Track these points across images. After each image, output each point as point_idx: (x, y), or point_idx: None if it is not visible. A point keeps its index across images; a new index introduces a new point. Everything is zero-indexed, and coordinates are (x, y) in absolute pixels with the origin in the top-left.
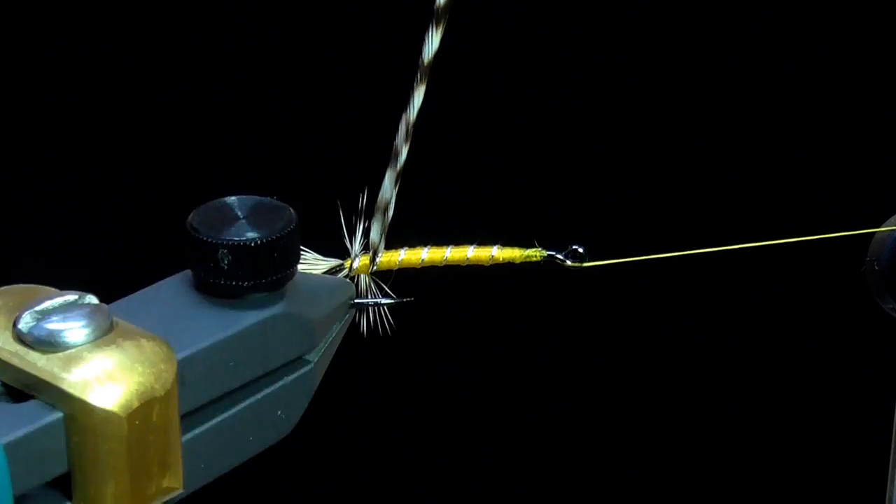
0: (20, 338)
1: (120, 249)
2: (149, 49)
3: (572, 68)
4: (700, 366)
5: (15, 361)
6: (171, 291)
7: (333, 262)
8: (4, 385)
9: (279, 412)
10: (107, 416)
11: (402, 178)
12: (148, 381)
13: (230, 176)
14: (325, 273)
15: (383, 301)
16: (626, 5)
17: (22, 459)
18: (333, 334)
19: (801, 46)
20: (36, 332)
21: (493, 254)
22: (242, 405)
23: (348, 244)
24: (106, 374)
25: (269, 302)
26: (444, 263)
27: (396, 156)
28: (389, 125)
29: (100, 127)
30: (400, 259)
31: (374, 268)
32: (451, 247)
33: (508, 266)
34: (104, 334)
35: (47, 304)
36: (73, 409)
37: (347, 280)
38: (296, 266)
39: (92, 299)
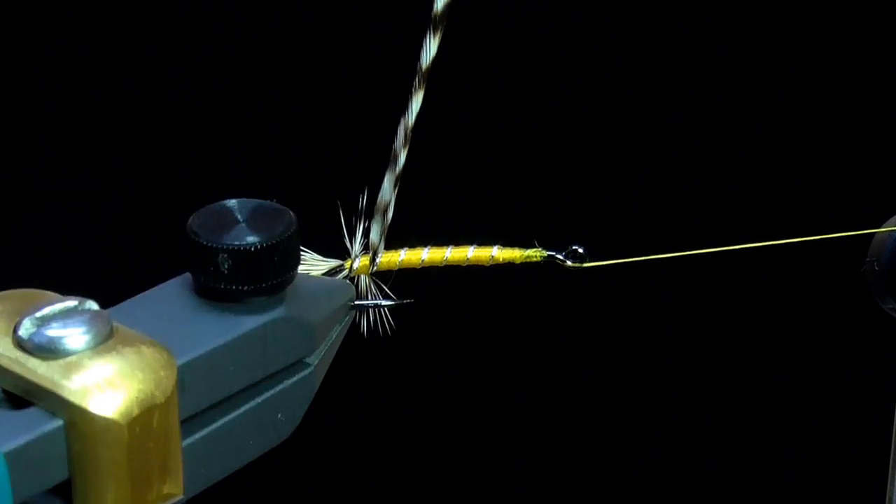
0: (20, 344)
1: (120, 250)
2: (149, 49)
3: (571, 69)
4: (700, 366)
5: (15, 368)
6: (171, 295)
7: (334, 262)
8: (4, 391)
9: (279, 415)
10: (107, 423)
11: (401, 181)
12: (148, 388)
13: (231, 176)
14: (325, 274)
15: (383, 303)
16: (627, 5)
17: (23, 467)
18: (333, 336)
19: (801, 46)
20: (36, 339)
21: (493, 254)
22: (242, 409)
23: (348, 245)
24: (106, 381)
25: (270, 306)
26: (444, 264)
27: (395, 159)
28: (391, 126)
29: (99, 127)
30: (400, 259)
31: (374, 268)
32: (451, 247)
33: (509, 266)
34: (104, 340)
35: (47, 311)
36: (74, 417)
37: (347, 282)
38: (296, 270)
39: (92, 305)
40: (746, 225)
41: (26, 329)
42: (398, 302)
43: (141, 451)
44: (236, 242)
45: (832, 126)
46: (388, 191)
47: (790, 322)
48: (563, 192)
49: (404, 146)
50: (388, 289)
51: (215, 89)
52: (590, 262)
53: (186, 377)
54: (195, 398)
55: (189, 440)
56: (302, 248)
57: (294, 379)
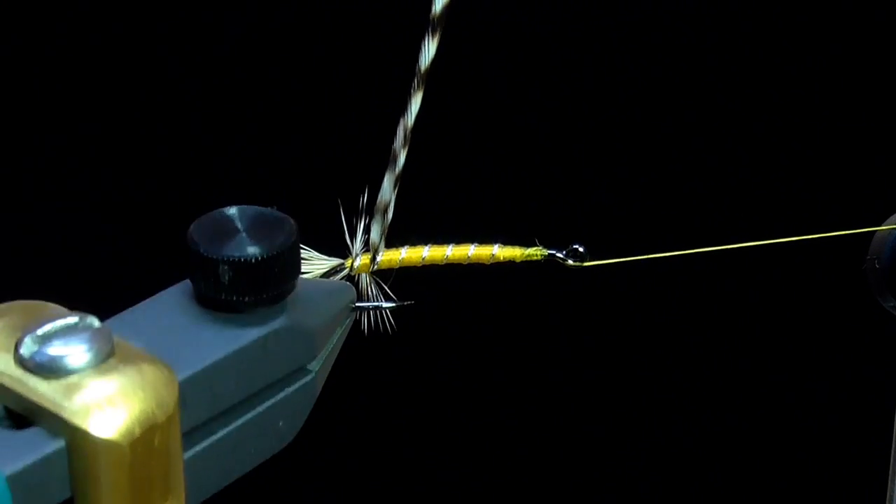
0: (22, 362)
1: (120, 250)
2: (148, 50)
3: (570, 69)
4: (700, 365)
5: (16, 387)
6: (171, 304)
7: (334, 261)
8: (6, 409)
9: (280, 422)
10: (109, 445)
11: (402, 181)
12: (150, 407)
13: (231, 176)
14: (326, 272)
15: (385, 305)
16: (627, 5)
17: (25, 489)
18: (335, 340)
19: (801, 46)
20: (37, 358)
21: (493, 252)
22: (243, 419)
23: (349, 243)
24: (107, 401)
25: (271, 316)
26: (445, 262)
27: (395, 160)
28: (392, 126)
29: (99, 127)
30: (401, 257)
31: (375, 267)
32: (451, 245)
33: (509, 265)
34: (106, 359)
35: (48, 328)
36: (75, 438)
37: (348, 284)
38: (297, 278)
39: (93, 321)
40: (746, 224)
41: (27, 347)
42: (399, 304)
43: (143, 471)
44: (237, 254)
45: (832, 126)
46: (387, 191)
47: (790, 321)
48: (564, 192)
49: (404, 147)
50: (389, 287)
51: (215, 89)
52: (590, 261)
53: (187, 392)
54: (196, 412)
55: (190, 453)
56: (303, 246)
57: (295, 386)
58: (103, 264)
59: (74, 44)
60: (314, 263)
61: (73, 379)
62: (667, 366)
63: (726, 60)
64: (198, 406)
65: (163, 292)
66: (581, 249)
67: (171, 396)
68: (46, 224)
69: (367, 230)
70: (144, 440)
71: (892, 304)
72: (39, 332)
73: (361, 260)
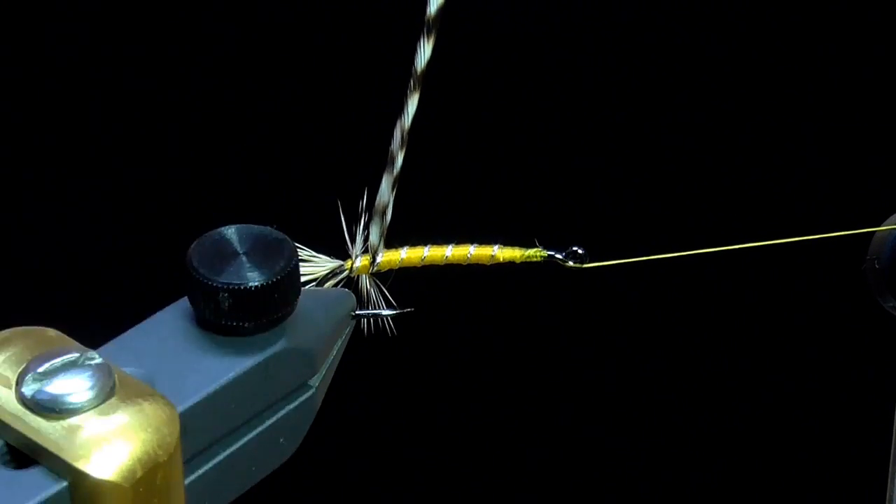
0: (23, 400)
1: (120, 250)
2: (147, 49)
3: (569, 69)
4: (700, 366)
5: (17, 425)
6: (171, 326)
7: (334, 263)
8: (7, 445)
9: (281, 439)
10: (111, 486)
11: (402, 182)
12: (151, 447)
13: (231, 176)
14: (326, 275)
15: (385, 312)
16: (625, 5)
17: None
18: (335, 352)
19: (800, 46)
20: (38, 397)
21: (493, 253)
22: (244, 440)
23: (349, 245)
24: (109, 443)
25: (271, 339)
26: (444, 262)
27: (393, 161)
28: (389, 128)
29: (99, 127)
30: (401, 258)
31: (375, 269)
32: (451, 246)
33: (509, 266)
34: (107, 398)
35: (49, 366)
36: (77, 479)
37: (348, 291)
38: (297, 301)
39: (95, 358)
40: (746, 225)
41: (29, 386)
42: (399, 311)
43: None
44: (236, 281)
45: (832, 126)
46: (386, 192)
47: (790, 322)
48: (563, 193)
49: (401, 148)
50: (389, 288)
51: (213, 90)
52: (590, 262)
53: (188, 421)
54: (197, 439)
55: (191, 478)
56: (303, 247)
57: (296, 403)
58: (103, 264)
59: (69, 47)
60: (314, 265)
61: (74, 419)
62: (667, 366)
63: (726, 60)
64: (199, 433)
65: (161, 312)
66: (580, 251)
67: (172, 435)
68: (46, 224)
69: (367, 228)
70: (146, 480)
71: (892, 304)
72: (41, 369)
73: (361, 261)
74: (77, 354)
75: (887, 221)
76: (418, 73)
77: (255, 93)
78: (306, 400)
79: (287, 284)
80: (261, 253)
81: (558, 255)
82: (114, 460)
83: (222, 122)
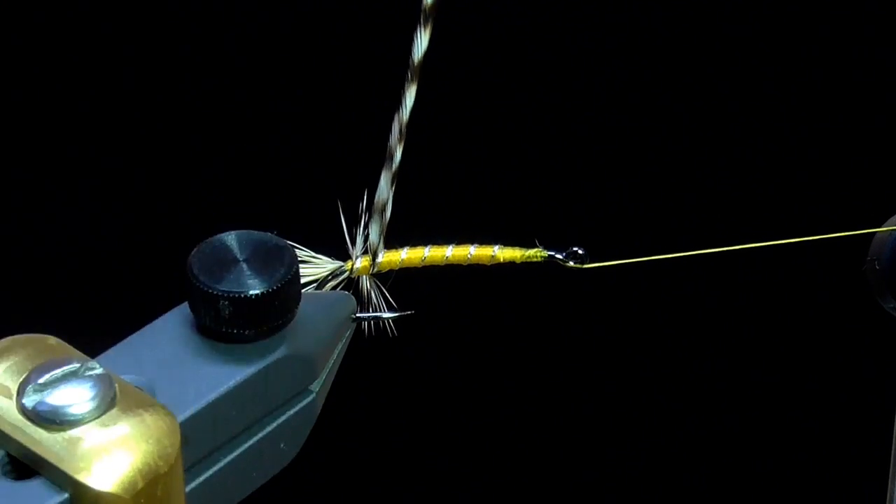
0: (24, 411)
1: (120, 249)
2: (145, 50)
3: (572, 68)
4: (700, 366)
5: (18, 436)
6: (171, 333)
7: (335, 264)
8: (8, 455)
9: (282, 445)
10: (112, 498)
11: (402, 179)
12: (152, 459)
13: (231, 178)
14: (326, 276)
15: (385, 315)
16: (628, 1)
17: None
18: (336, 355)
19: (800, 46)
20: (39, 408)
21: (493, 253)
22: (245, 446)
23: (349, 245)
24: (110, 454)
25: (272, 346)
26: (445, 263)
27: (391, 156)
28: (389, 124)
29: (99, 126)
30: (402, 258)
31: (375, 269)
32: (452, 246)
33: (509, 267)
34: (108, 409)
35: (49, 377)
36: (78, 491)
37: (348, 294)
38: (297, 308)
39: (95, 368)
40: (746, 225)
41: (30, 397)
42: (400, 314)
43: None
44: (237, 289)
45: (832, 126)
46: (385, 189)
47: (790, 322)
48: (564, 193)
49: (399, 142)
50: (389, 288)
51: (211, 89)
52: (591, 262)
53: (189, 430)
54: (198, 447)
55: (191, 485)
56: (304, 248)
57: (297, 408)
58: (103, 265)
59: (68, 51)
60: (314, 266)
61: (75, 431)
62: (667, 367)
63: (726, 60)
64: (200, 442)
65: (162, 318)
66: (581, 251)
67: (173, 446)
68: (45, 227)
69: (366, 231)
70: (147, 492)
71: (892, 305)
72: (42, 380)
73: (362, 262)
74: (78, 364)
75: (887, 222)
76: (415, 64)
77: (255, 93)
78: (307, 405)
79: (288, 292)
80: (261, 260)
81: (558, 256)
82: (115, 472)
83: (222, 122)
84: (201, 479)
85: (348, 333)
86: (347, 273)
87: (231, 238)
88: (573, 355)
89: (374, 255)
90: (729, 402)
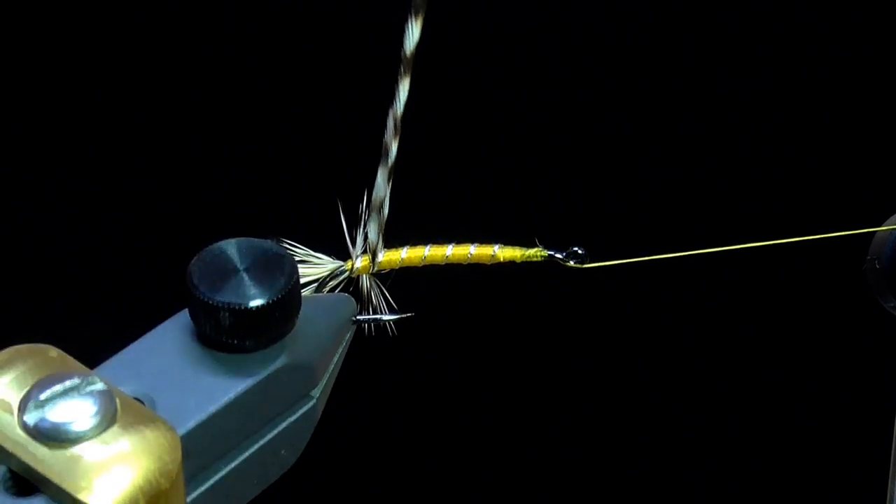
0: (25, 427)
1: (120, 249)
2: (145, 49)
3: (572, 67)
4: (700, 366)
5: (20, 453)
6: (171, 342)
7: (335, 264)
8: (9, 471)
9: (282, 451)
10: None
11: (402, 178)
12: (153, 476)
13: (231, 178)
14: (326, 276)
15: (385, 317)
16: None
17: None
18: (336, 360)
19: (800, 46)
20: (41, 425)
21: (494, 253)
22: (245, 454)
23: (349, 245)
24: (111, 472)
25: (272, 355)
26: (445, 262)
27: (387, 152)
28: (384, 121)
29: (100, 126)
30: (402, 258)
31: (375, 268)
32: (452, 245)
33: (509, 266)
34: (109, 425)
35: (49, 393)
36: None
37: (347, 296)
38: (297, 317)
39: (96, 383)
40: (746, 225)
41: (31, 414)
42: (400, 316)
43: None
44: (237, 300)
45: (832, 126)
46: (382, 185)
47: (790, 322)
48: (564, 192)
49: (395, 137)
50: (389, 287)
51: (212, 90)
52: (591, 262)
53: (189, 443)
54: (198, 459)
55: (192, 495)
56: (304, 248)
57: (297, 415)
58: (103, 265)
59: (66, 54)
60: (315, 266)
61: (76, 448)
62: (667, 366)
63: (726, 60)
64: (201, 453)
65: (162, 327)
66: (581, 251)
67: (174, 462)
68: (45, 231)
69: (365, 230)
70: None
71: (892, 305)
72: (43, 396)
73: (362, 261)
74: (79, 380)
75: (887, 221)
76: (407, 55)
77: (255, 93)
78: (307, 411)
79: (288, 302)
80: (261, 269)
81: (559, 255)
82: (115, 490)
83: (222, 122)
84: (202, 488)
85: (349, 336)
86: (348, 273)
87: (231, 246)
88: (573, 355)
89: (374, 255)
90: (729, 402)
